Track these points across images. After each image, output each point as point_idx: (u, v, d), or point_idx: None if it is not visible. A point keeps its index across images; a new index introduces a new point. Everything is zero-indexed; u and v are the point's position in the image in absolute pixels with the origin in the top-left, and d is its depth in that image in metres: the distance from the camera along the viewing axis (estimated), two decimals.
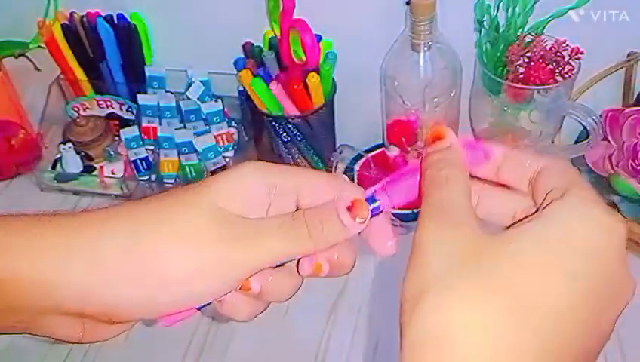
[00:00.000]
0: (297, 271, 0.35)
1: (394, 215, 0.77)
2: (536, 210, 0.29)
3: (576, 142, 0.75)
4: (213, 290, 0.31)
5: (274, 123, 0.77)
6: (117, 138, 0.87)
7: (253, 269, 0.31)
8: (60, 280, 0.29)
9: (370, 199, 0.33)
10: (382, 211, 0.34)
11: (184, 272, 0.30)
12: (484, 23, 0.67)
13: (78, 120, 0.87)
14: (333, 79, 0.78)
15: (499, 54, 0.68)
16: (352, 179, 0.82)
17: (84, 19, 0.81)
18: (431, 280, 0.26)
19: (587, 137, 0.69)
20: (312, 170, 0.36)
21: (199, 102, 0.81)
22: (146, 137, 0.83)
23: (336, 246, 0.33)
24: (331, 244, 0.33)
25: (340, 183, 0.34)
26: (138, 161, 0.83)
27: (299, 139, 0.79)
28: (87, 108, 0.88)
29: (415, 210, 0.77)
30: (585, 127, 0.70)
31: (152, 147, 0.83)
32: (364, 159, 0.83)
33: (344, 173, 0.82)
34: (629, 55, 0.72)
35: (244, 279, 0.32)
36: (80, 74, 0.86)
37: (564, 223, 0.26)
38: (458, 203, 0.29)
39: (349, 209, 0.32)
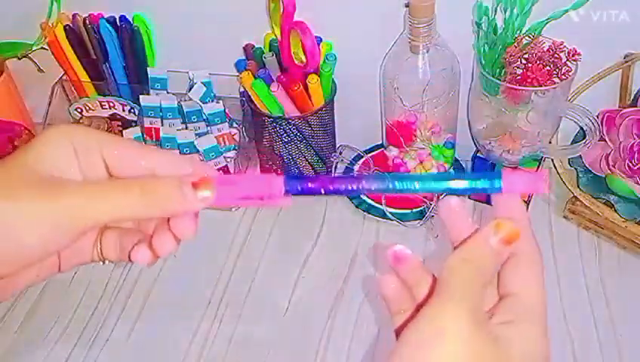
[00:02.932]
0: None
1: (392, 214, 0.78)
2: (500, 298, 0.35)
3: (574, 142, 0.75)
4: (46, 243, 0.32)
5: (274, 124, 0.78)
6: None
7: (80, 224, 0.32)
8: None
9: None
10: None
11: (9, 226, 0.31)
12: (483, 24, 0.67)
13: (81, 121, 0.88)
14: (333, 80, 0.78)
15: (497, 56, 0.69)
16: None
17: (87, 21, 0.82)
18: None
19: (584, 138, 0.70)
20: (123, 138, 0.36)
21: (201, 103, 0.82)
22: (148, 138, 0.84)
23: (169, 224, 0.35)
24: (166, 213, 0.33)
25: (159, 155, 0.35)
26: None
27: (299, 139, 0.80)
28: (90, 109, 0.89)
29: (414, 210, 0.78)
30: (582, 128, 0.70)
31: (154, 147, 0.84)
32: (363, 159, 0.84)
33: (344, 173, 0.83)
34: (625, 56, 0.72)
35: (78, 233, 0.32)
36: (83, 75, 0.87)
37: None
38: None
39: (195, 185, 0.33)
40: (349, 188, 0.33)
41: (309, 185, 0.34)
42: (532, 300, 0.34)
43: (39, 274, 0.36)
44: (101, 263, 0.38)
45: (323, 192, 0.34)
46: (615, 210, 0.71)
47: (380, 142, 0.86)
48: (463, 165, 0.84)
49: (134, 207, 0.32)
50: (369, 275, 0.74)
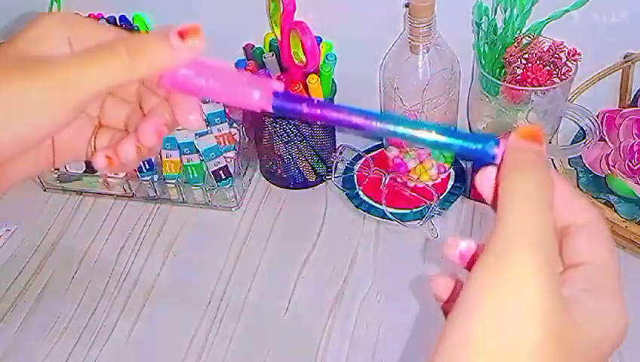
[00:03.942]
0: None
1: (392, 214, 0.78)
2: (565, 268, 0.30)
3: (574, 142, 0.75)
4: (41, 124, 0.32)
5: (274, 123, 0.78)
6: None
7: (74, 95, 0.32)
8: None
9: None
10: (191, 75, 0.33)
11: (3, 110, 0.31)
12: (483, 24, 0.67)
13: None
14: (333, 80, 0.78)
15: (497, 56, 0.69)
16: (352, 179, 0.83)
17: None
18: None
19: (584, 138, 0.70)
20: (116, 27, 0.35)
21: (201, 103, 0.82)
22: None
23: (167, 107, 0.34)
24: (155, 66, 0.33)
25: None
26: (140, 162, 0.83)
27: (299, 139, 0.80)
28: None
29: (414, 210, 0.78)
30: (582, 128, 0.70)
31: None
32: (364, 159, 0.84)
33: (344, 173, 0.83)
34: (625, 56, 0.72)
35: (73, 107, 0.32)
36: None
37: (595, 329, 0.28)
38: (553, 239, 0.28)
39: (182, 33, 0.32)
40: (334, 116, 0.31)
41: (294, 98, 0.32)
42: (607, 268, 0.30)
43: (37, 166, 0.36)
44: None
45: (305, 110, 0.32)
46: (615, 210, 0.71)
47: (380, 142, 0.86)
48: (463, 165, 0.84)
49: (123, 65, 0.32)
50: (369, 274, 0.74)
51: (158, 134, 0.34)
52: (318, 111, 0.32)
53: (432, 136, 0.30)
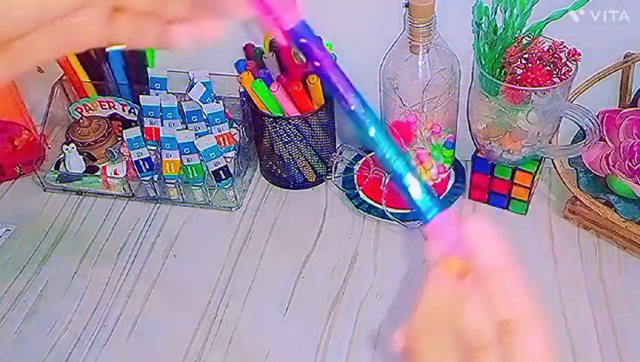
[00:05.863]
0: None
1: (392, 214, 0.78)
2: None
3: (574, 142, 0.75)
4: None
5: (274, 123, 0.78)
6: (120, 139, 0.88)
7: None
8: None
9: None
10: None
11: None
12: (483, 24, 0.67)
13: (81, 121, 0.88)
14: None
15: (497, 56, 0.69)
16: (352, 179, 0.83)
17: None
18: None
19: (584, 138, 0.70)
20: None
21: (201, 104, 0.82)
22: (148, 138, 0.84)
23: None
24: None
25: None
26: (140, 162, 0.83)
27: (299, 139, 0.80)
28: (90, 109, 0.89)
29: (414, 210, 0.78)
30: (582, 128, 0.70)
31: (154, 147, 0.84)
32: (364, 159, 0.84)
33: (344, 173, 0.83)
34: (625, 56, 0.72)
35: None
36: (83, 75, 0.87)
37: None
38: None
39: None
40: (339, 89, 0.32)
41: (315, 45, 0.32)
42: None
43: (53, 47, 0.33)
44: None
45: (317, 63, 0.32)
46: (615, 210, 0.71)
47: None
48: (463, 165, 0.84)
49: None
50: (369, 275, 0.74)
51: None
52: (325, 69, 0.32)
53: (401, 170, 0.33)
